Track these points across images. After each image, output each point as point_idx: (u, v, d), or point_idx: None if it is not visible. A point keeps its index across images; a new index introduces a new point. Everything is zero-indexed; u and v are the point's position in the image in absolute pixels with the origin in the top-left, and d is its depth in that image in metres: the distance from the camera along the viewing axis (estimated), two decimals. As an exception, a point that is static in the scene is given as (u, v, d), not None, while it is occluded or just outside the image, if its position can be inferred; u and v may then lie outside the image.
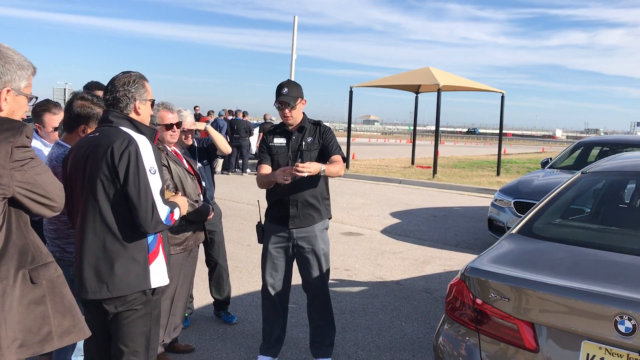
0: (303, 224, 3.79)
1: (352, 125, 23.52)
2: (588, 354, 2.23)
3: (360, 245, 8.02)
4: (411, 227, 9.51)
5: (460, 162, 24.19)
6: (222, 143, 4.54)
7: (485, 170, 20.50)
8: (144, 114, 2.76)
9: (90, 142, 2.66)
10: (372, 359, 4.20)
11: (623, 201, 3.85)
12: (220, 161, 16.35)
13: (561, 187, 3.37)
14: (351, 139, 19.86)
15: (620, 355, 2.17)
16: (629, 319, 2.10)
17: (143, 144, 2.59)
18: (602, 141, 10.06)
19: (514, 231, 3.07)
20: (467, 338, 2.61)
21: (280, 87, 3.74)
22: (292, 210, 3.75)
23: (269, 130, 3.98)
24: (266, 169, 3.80)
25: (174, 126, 3.76)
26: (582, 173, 3.49)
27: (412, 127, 22.29)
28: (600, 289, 2.27)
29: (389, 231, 9.09)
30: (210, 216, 3.55)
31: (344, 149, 3.88)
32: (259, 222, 3.94)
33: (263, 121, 17.83)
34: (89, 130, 3.07)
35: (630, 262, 2.57)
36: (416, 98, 21.10)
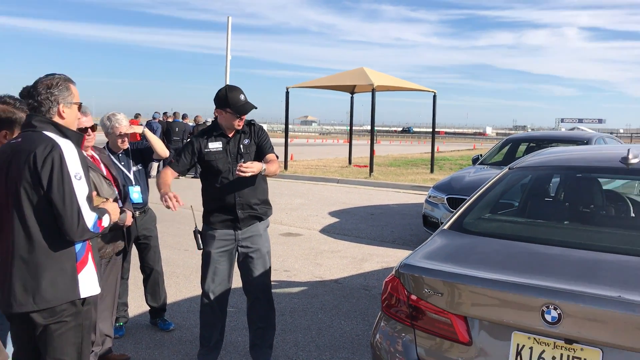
0: (249, 224, 3.77)
1: (290, 126, 23.54)
2: (518, 344, 2.31)
3: (299, 245, 8.02)
4: (349, 225, 9.59)
5: (395, 161, 24.62)
6: (160, 146, 4.44)
7: (419, 167, 20.95)
8: (69, 118, 2.65)
9: (12, 148, 2.54)
10: (312, 359, 4.20)
11: (549, 195, 4.00)
12: (155, 165, 15.98)
13: (490, 183, 3.47)
14: (289, 139, 19.85)
15: (547, 343, 2.25)
16: (555, 309, 2.18)
17: (68, 148, 2.49)
18: (529, 137, 10.48)
19: (445, 227, 3.14)
20: (403, 334, 2.65)
21: (237, 93, 3.64)
22: (238, 212, 3.71)
23: (201, 132, 3.88)
24: (168, 175, 3.72)
25: (89, 129, 3.62)
26: (509, 169, 3.61)
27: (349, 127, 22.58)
28: (527, 281, 2.35)
29: (327, 230, 9.14)
30: (129, 222, 3.45)
31: (281, 149, 3.89)
32: (196, 228, 3.85)
33: (194, 124, 17.48)
34: (12, 136, 2.93)
35: (556, 254, 2.67)
36: (351, 98, 21.31)
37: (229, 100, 3.64)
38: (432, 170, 19.02)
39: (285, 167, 18.15)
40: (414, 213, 10.81)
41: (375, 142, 17.99)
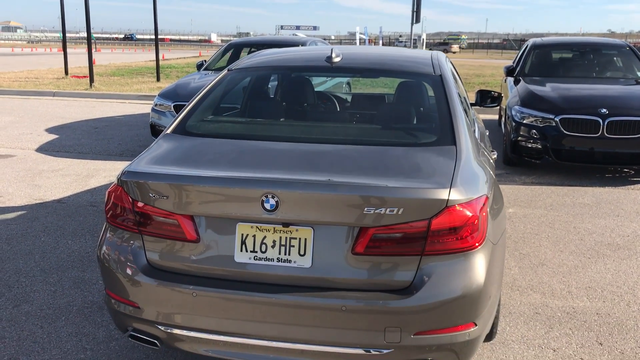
0: None
1: (-13, 33, 20.26)
2: (242, 234, 2.44)
3: (12, 167, 7.19)
4: (70, 141, 8.88)
5: (119, 70, 23.22)
6: None
7: (145, 76, 20.13)
8: None
9: None
10: (37, 284, 3.91)
11: (268, 95, 4.19)
12: None
13: (210, 85, 3.48)
14: (-13, 48, 17.17)
15: (268, 229, 2.42)
16: (272, 197, 2.34)
17: None
18: (250, 42, 10.75)
19: (168, 131, 3.09)
20: (132, 242, 2.60)
21: None
22: None
23: None
24: None
25: None
26: (228, 70, 3.66)
27: (62, 35, 20.32)
28: (247, 175, 2.47)
29: (45, 149, 8.34)
30: None
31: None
32: None
33: None
34: None
35: (274, 148, 2.84)
36: (61, 1, 19.12)
37: None
38: (158, 79, 18.45)
39: (-13, 80, 15.81)
40: (142, 123, 10.46)
41: (95, 50, 16.61)
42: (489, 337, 3.13)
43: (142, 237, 2.58)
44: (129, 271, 2.59)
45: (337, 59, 3.46)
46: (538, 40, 9.59)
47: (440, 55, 3.89)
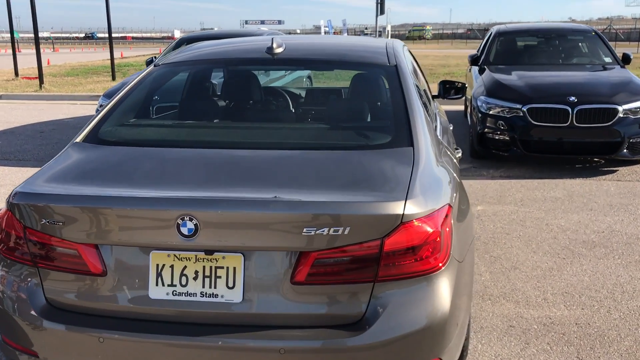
0: None
1: None
2: (157, 265, 2.02)
3: (-59, 178, 6.58)
4: (11, 147, 8.27)
5: (73, 70, 22.34)
6: None
7: (100, 76, 19.37)
8: None
9: None
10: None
11: (200, 92, 3.69)
12: None
13: (133, 83, 3.03)
14: None
15: (188, 258, 2.00)
16: (190, 219, 1.92)
17: None
18: (202, 36, 10.15)
19: (78, 139, 2.63)
20: (27, 278, 2.15)
21: None
22: None
23: None
24: None
25: None
26: (154, 65, 3.21)
27: (18, 34, 19.40)
28: (159, 193, 2.04)
29: (-18, 156, 7.72)
30: None
31: None
32: None
33: None
34: None
35: (197, 156, 2.40)
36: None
37: None
38: (113, 78, 17.75)
39: None
40: (91, 125, 9.86)
41: (53, 50, 15.86)
42: (459, 361, 2.76)
43: (39, 271, 2.13)
44: (25, 313, 2.13)
45: (279, 50, 3.03)
46: (502, 27, 9.30)
47: (396, 43, 3.50)
